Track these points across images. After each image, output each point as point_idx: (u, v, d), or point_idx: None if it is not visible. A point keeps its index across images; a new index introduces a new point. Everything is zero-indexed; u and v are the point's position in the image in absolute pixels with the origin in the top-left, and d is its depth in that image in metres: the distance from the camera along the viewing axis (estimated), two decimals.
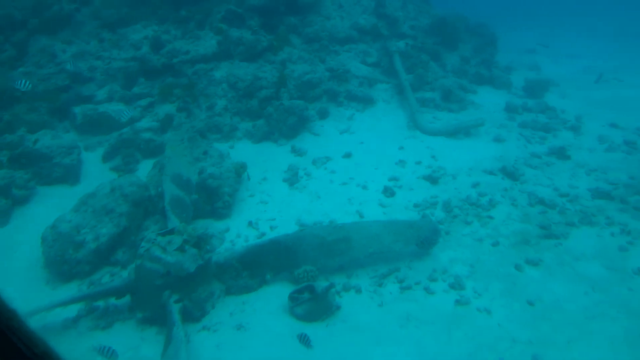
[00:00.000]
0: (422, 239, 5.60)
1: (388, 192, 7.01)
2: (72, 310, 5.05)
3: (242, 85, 9.29)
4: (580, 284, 5.21)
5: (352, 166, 7.80)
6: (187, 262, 4.90)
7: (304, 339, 4.37)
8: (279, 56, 10.23)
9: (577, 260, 5.55)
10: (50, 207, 6.81)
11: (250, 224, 6.45)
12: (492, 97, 10.77)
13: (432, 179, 7.28)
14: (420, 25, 12.64)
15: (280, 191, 7.21)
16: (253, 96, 9.17)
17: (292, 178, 7.47)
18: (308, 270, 5.34)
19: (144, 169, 7.69)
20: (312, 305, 4.87)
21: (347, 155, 8.09)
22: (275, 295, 5.19)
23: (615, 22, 23.26)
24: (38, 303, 4.81)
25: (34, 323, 4.81)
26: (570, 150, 8.18)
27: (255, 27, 10.96)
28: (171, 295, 4.85)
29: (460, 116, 9.59)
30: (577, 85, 12.57)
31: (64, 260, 5.68)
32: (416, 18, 13.24)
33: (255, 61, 9.93)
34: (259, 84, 9.26)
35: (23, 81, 7.29)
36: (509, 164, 7.55)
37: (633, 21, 23.08)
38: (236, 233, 6.29)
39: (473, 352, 4.37)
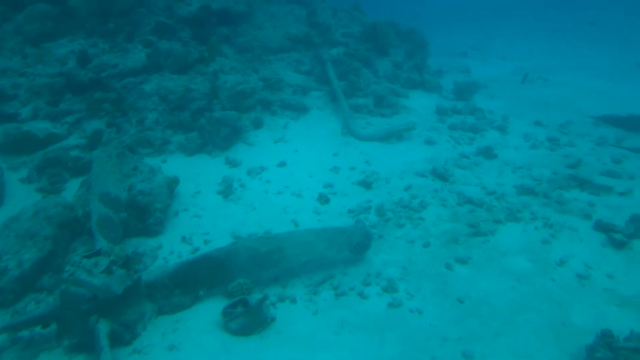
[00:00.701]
0: (354, 244, 5.66)
1: (323, 199, 7.05)
2: None
3: (173, 97, 9.14)
4: (506, 278, 5.39)
5: (287, 175, 7.80)
6: (115, 284, 4.76)
7: None
8: (211, 67, 10.12)
9: (504, 256, 5.75)
10: None
11: (184, 239, 6.33)
12: (424, 100, 11.04)
13: (366, 184, 7.38)
14: (352, 32, 12.84)
15: (215, 204, 7.12)
16: (185, 108, 9.04)
17: (227, 190, 7.40)
18: (242, 283, 5.29)
19: (72, 188, 7.42)
20: (246, 319, 4.81)
21: (282, 164, 8.09)
22: (209, 311, 5.10)
23: (545, 24, 24.30)
24: None
25: None
26: (497, 149, 8.49)
27: (186, 39, 10.84)
28: (98, 319, 4.68)
29: (392, 121, 9.78)
30: (505, 86, 13.06)
31: None
32: (348, 26, 13.45)
33: (187, 73, 9.80)
34: (190, 96, 9.14)
35: None
36: (439, 166, 7.75)
37: (560, 23, 24.16)
38: (169, 250, 6.15)
39: (405, 353, 4.44)
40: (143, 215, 6.50)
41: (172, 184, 7.06)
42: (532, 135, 9.14)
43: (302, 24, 12.27)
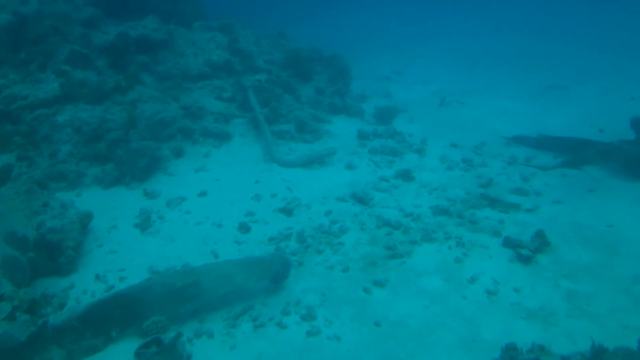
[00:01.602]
0: (273, 274, 5.65)
1: (243, 228, 7.01)
2: None
3: (88, 128, 8.86)
4: (422, 298, 5.54)
5: (207, 205, 7.71)
6: (18, 330, 4.51)
7: None
8: (129, 96, 9.90)
9: (420, 277, 5.91)
10: None
11: (97, 277, 6.09)
12: (346, 125, 11.27)
13: (287, 211, 7.41)
14: (274, 59, 12.97)
15: (132, 238, 6.92)
16: (101, 139, 8.78)
17: (144, 223, 7.22)
18: (157, 321, 5.13)
19: None
20: (160, 358, 4.67)
21: (203, 194, 7.99)
22: (123, 352, 4.91)
23: (466, 48, 25.29)
24: None
25: None
26: (415, 171, 8.76)
27: (103, 68, 10.57)
28: None
29: (315, 146, 9.91)
30: (424, 110, 13.53)
31: None
32: (271, 52, 13.58)
33: (102, 103, 9.53)
34: (106, 127, 8.90)
35: None
36: (359, 190, 7.90)
37: (477, 48, 25.27)
38: (82, 289, 5.90)
39: None
40: (54, 254, 6.22)
41: (86, 219, 6.80)
42: (448, 157, 9.50)
43: (224, 51, 12.28)
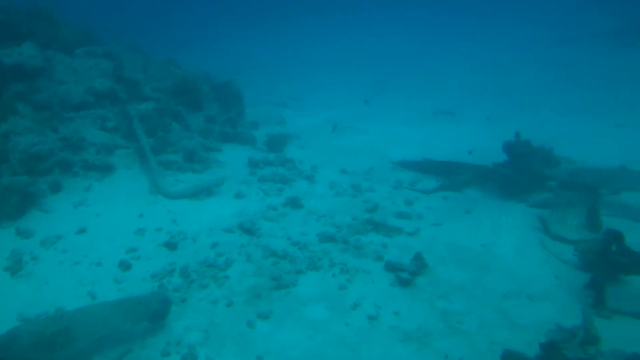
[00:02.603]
0: (152, 313, 5.43)
1: (124, 265, 6.70)
2: None
3: None
4: (305, 328, 5.57)
5: (86, 242, 7.30)
6: None
7: None
8: (1, 128, 9.22)
9: (304, 306, 5.95)
10: None
11: None
12: (238, 153, 11.21)
13: (171, 245, 7.20)
14: (163, 86, 12.66)
15: (0, 283, 6.38)
16: None
17: (15, 265, 6.70)
18: None
19: None
20: None
21: (82, 231, 7.56)
22: None
23: (365, 74, 26.07)
24: None
25: None
26: (305, 198, 8.88)
27: None
28: None
29: (204, 176, 9.75)
30: (317, 136, 13.80)
31: None
32: (160, 79, 13.26)
33: None
34: None
35: None
36: (246, 220, 7.86)
37: (373, 74, 26.19)
38: None
39: None
40: None
41: None
42: (337, 183, 9.73)
43: (107, 79, 11.81)
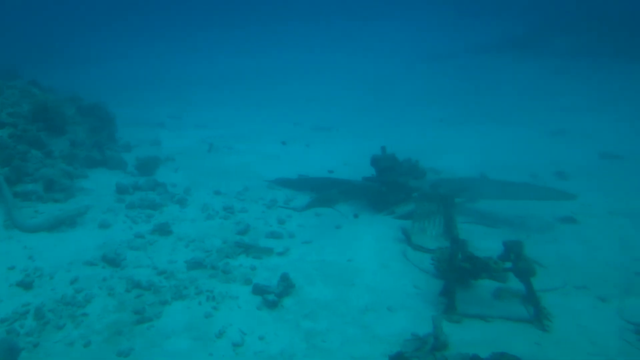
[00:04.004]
0: None
1: None
2: None
3: None
4: None
5: None
6: None
7: None
8: None
9: (167, 339, 5.78)
10: None
11: None
12: (106, 179, 10.73)
13: (26, 284, 6.69)
14: (21, 111, 11.80)
15: None
16: None
17: None
18: None
19: None
20: None
21: None
22: None
23: (244, 91, 26.04)
24: None
25: None
26: (175, 224, 8.67)
27: None
28: None
29: (66, 206, 9.19)
30: (192, 157, 13.59)
31: None
32: (19, 103, 12.34)
33: None
34: None
35: None
36: (110, 251, 7.51)
37: (250, 92, 26.23)
38: None
39: None
40: None
41: None
42: (209, 206, 9.62)
43: None
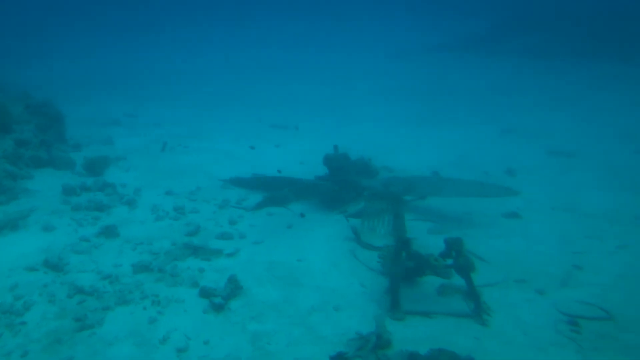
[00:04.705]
0: None
1: None
2: None
3: None
4: None
5: None
6: None
7: None
8: None
9: (110, 346, 5.68)
10: None
11: None
12: (52, 180, 10.44)
13: None
14: None
15: None
16: None
17: None
18: None
19: None
20: None
21: None
22: None
23: (204, 87, 25.58)
24: None
25: None
26: (122, 226, 8.50)
27: None
28: None
29: (9, 208, 8.91)
30: (145, 156, 13.29)
31: None
32: None
33: None
34: None
35: None
36: (53, 255, 7.33)
37: (218, 87, 25.81)
38: None
39: None
40: None
41: None
42: (160, 207, 9.48)
43: None
